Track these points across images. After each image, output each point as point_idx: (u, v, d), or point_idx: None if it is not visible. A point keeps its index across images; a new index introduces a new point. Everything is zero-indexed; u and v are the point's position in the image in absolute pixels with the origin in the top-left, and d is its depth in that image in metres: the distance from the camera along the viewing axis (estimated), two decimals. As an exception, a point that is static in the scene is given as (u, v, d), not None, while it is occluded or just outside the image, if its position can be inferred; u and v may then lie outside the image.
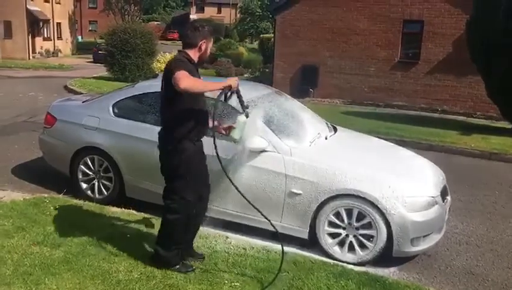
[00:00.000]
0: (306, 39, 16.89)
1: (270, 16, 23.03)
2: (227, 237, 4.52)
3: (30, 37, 33.64)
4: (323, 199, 4.37)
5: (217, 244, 4.30)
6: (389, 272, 4.32)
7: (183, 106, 3.58)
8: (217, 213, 4.72)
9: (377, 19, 15.79)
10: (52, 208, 4.89)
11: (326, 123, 5.78)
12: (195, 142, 3.71)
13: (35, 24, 34.97)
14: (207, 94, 3.72)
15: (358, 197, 4.27)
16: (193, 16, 53.80)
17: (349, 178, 4.34)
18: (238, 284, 3.62)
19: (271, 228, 4.60)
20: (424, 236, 4.39)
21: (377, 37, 15.91)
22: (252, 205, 3.71)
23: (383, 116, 13.41)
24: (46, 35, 37.06)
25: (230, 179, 3.69)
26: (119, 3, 43.80)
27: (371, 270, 4.19)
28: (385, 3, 15.59)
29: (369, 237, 4.31)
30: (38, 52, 35.13)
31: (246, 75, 24.12)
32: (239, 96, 3.72)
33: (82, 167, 5.50)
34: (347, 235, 4.39)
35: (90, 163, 5.47)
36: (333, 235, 4.43)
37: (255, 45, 40.70)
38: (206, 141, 3.77)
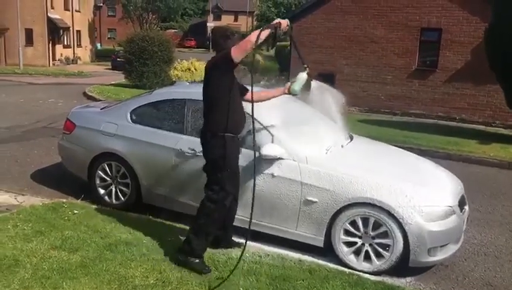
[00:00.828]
0: (322, 47, 16.89)
1: (287, 24, 23.03)
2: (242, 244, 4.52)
3: (50, 44, 34.32)
4: (339, 207, 4.35)
5: (232, 251, 4.30)
6: (405, 282, 4.28)
7: (223, 104, 3.89)
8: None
9: (394, 27, 15.72)
10: (70, 213, 4.95)
11: (343, 131, 5.74)
12: (235, 138, 4.00)
13: (56, 32, 35.62)
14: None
15: (374, 206, 4.24)
16: (210, 24, 54.15)
17: (365, 186, 4.31)
18: (253, 291, 3.62)
19: (286, 236, 4.63)
20: (442, 246, 4.34)
21: (394, 45, 15.83)
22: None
23: (400, 124, 13.31)
24: (66, 43, 37.73)
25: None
26: (138, 12, 44.37)
27: (387, 279, 4.16)
28: (402, 11, 15.52)
29: (385, 246, 4.27)
30: (58, 60, 35.77)
31: (262, 83, 24.14)
32: (296, 48, 4.01)
33: (100, 172, 5.56)
34: (363, 244, 4.35)
35: (107, 169, 5.53)
36: (349, 244, 4.41)
37: (272, 52, 40.79)
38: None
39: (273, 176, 4.57)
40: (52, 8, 34.55)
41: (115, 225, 4.73)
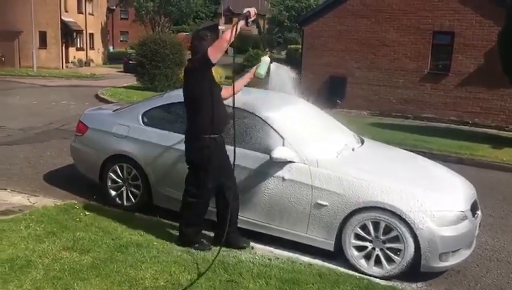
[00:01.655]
0: (334, 50, 16.86)
1: (298, 27, 23.06)
2: (252, 247, 4.52)
3: (64, 47, 34.68)
4: (349, 211, 4.33)
5: (242, 254, 4.31)
6: (416, 287, 4.24)
7: (205, 105, 4.07)
8: (241, 223, 4.75)
9: (407, 30, 15.64)
10: (81, 214, 5.00)
11: (354, 134, 5.74)
12: (217, 138, 4.15)
13: (69, 35, 36.00)
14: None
15: (385, 210, 4.22)
16: (221, 27, 54.33)
17: (376, 190, 4.29)
18: (262, 294, 3.62)
19: (296, 239, 4.63)
20: (453, 251, 4.30)
21: (406, 48, 15.75)
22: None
23: (412, 128, 13.23)
24: (79, 46, 38.13)
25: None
26: (150, 15, 44.66)
27: (398, 284, 4.13)
28: (415, 14, 15.45)
29: (396, 251, 4.24)
30: (71, 62, 36.12)
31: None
32: (260, 34, 4.37)
33: (111, 174, 5.60)
34: (373, 249, 4.33)
35: (119, 170, 5.56)
36: (359, 248, 4.38)
37: (283, 55, 40.80)
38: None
39: (283, 179, 4.56)
40: (66, 11, 34.92)
41: (125, 227, 4.76)
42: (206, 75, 4.06)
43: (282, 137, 4.65)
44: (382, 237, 4.27)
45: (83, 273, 3.71)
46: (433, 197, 4.34)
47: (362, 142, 5.57)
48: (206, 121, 4.08)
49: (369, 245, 4.33)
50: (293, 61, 28.70)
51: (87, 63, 38.40)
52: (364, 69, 16.45)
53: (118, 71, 33.65)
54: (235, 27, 3.86)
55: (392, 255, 4.26)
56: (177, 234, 4.53)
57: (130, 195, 5.55)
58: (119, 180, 5.58)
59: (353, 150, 5.13)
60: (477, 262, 4.85)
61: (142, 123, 5.52)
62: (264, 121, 4.80)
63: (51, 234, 4.41)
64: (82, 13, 38.23)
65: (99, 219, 4.93)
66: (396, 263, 4.25)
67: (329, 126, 5.59)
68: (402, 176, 4.66)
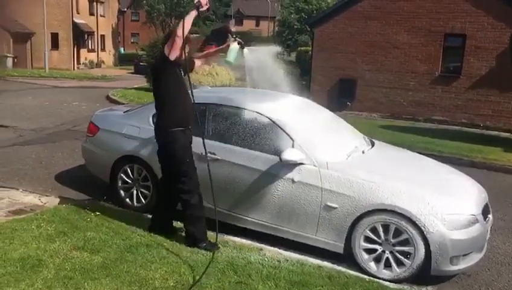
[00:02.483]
0: (344, 52, 16.81)
1: (308, 29, 23.05)
2: (261, 249, 4.52)
3: (75, 48, 34.99)
4: (359, 214, 4.32)
5: (251, 256, 4.31)
6: (426, 291, 4.22)
7: (172, 100, 4.30)
8: (250, 224, 4.75)
9: (418, 33, 15.56)
10: (92, 214, 5.03)
11: (364, 137, 5.72)
12: (185, 131, 4.33)
13: (81, 36, 36.31)
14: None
15: (395, 213, 4.20)
16: (232, 29, 54.49)
17: (386, 193, 4.27)
18: (271, 296, 3.62)
19: (306, 242, 4.62)
20: (464, 255, 4.27)
21: (417, 50, 15.66)
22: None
23: (422, 130, 13.15)
24: (90, 47, 38.44)
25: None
26: (160, 17, 44.88)
27: (408, 288, 4.11)
28: (426, 16, 15.36)
29: (406, 254, 4.22)
30: (83, 63, 36.42)
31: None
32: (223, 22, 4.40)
33: (122, 175, 5.63)
34: (383, 251, 4.31)
35: (129, 171, 5.60)
36: (369, 251, 4.37)
37: (293, 57, 40.75)
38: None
39: (293, 181, 4.56)
40: (78, 13, 35.25)
41: (135, 227, 4.78)
42: (168, 72, 4.28)
43: (292, 139, 4.65)
44: (392, 240, 4.25)
45: (93, 273, 3.74)
46: (444, 200, 4.31)
47: (372, 144, 5.55)
48: (173, 116, 4.30)
49: (379, 248, 4.32)
50: (302, 63, 28.71)
51: (98, 64, 38.69)
52: (375, 71, 16.38)
53: (129, 73, 33.82)
54: (185, 21, 4.05)
55: (402, 258, 4.24)
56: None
57: (140, 196, 5.57)
58: (129, 181, 5.61)
59: (363, 152, 5.11)
60: (488, 266, 4.81)
61: (152, 124, 5.53)
62: (273, 122, 4.80)
63: (62, 233, 4.44)
64: (93, 15, 38.55)
65: (110, 219, 4.96)
66: (406, 266, 4.22)
67: (339, 128, 5.57)
68: (413, 179, 4.64)
